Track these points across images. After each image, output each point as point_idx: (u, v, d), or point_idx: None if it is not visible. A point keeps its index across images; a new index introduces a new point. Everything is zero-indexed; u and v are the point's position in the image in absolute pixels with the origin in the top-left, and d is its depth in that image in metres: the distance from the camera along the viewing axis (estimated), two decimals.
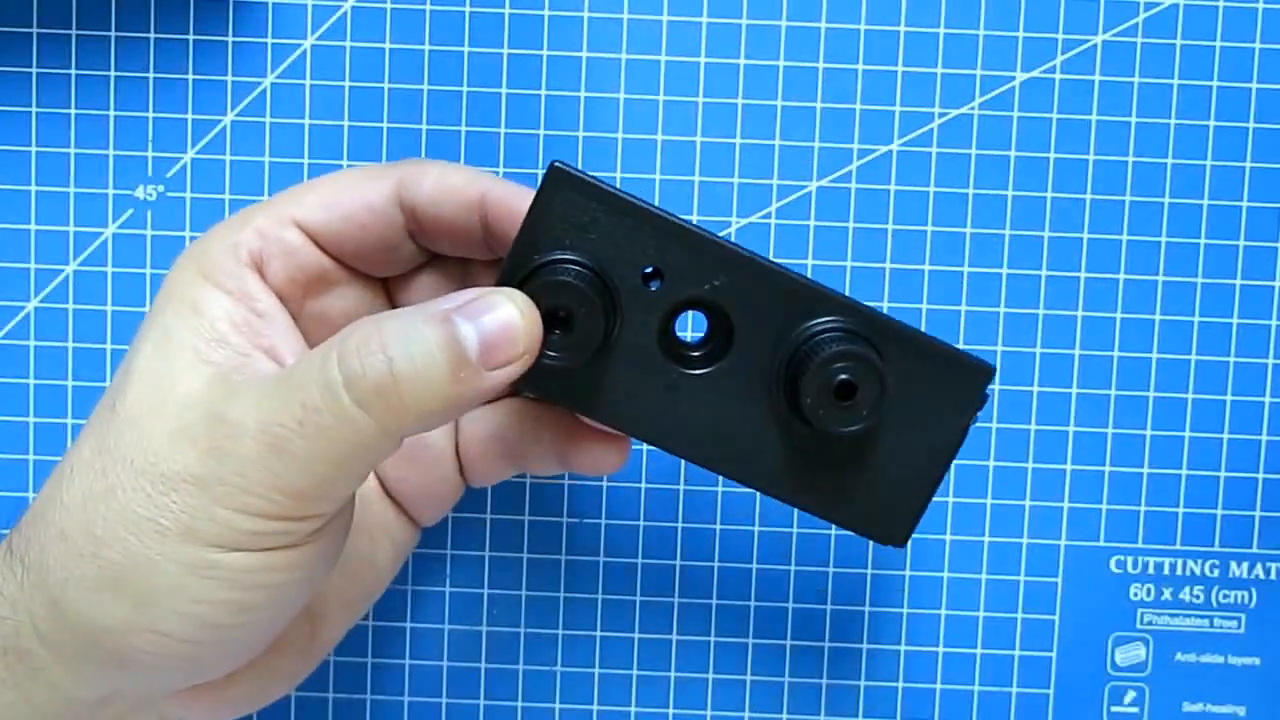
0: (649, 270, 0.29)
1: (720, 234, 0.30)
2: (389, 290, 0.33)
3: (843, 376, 0.29)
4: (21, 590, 0.28)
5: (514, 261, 0.29)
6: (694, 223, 0.29)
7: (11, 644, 0.28)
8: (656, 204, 0.29)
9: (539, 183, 0.29)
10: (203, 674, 0.29)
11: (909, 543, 0.31)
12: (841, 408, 0.29)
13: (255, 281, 0.30)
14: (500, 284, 0.29)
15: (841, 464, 0.31)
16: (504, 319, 0.27)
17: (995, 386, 0.38)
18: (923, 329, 0.32)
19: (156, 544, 0.27)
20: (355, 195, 0.31)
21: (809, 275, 0.30)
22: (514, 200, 0.30)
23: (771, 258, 0.31)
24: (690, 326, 0.31)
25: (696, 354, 0.30)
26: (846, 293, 0.30)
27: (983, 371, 0.30)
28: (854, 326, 0.29)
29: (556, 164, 0.28)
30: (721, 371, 0.30)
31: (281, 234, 0.30)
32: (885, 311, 0.31)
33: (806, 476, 0.31)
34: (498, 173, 0.38)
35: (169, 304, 0.30)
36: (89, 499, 0.28)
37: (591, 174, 0.29)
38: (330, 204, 0.31)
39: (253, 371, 0.29)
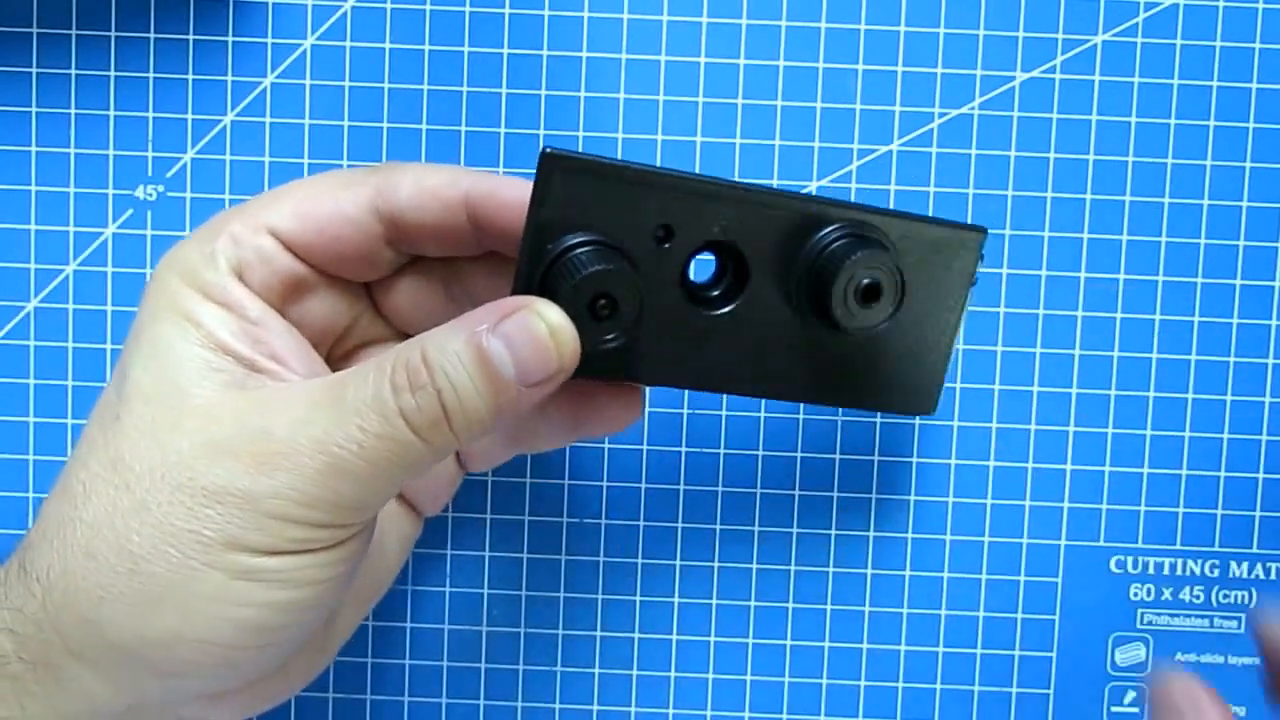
0: (659, 229, 0.29)
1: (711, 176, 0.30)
2: (370, 292, 0.33)
3: (867, 280, 0.30)
4: (45, 610, 0.28)
5: (530, 256, 0.28)
6: (687, 171, 0.30)
7: (40, 658, 0.28)
8: (645, 163, 0.29)
9: (535, 169, 0.28)
10: (242, 679, 0.29)
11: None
12: (870, 309, 0.31)
13: (240, 289, 0.30)
14: (519, 281, 0.29)
15: (870, 356, 0.33)
16: (537, 338, 0.27)
17: (995, 386, 0.38)
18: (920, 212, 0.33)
19: (200, 554, 0.27)
20: (329, 205, 0.30)
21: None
22: (501, 191, 0.30)
23: (759, 181, 0.31)
24: (697, 271, 0.32)
25: (716, 294, 0.31)
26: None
27: (976, 234, 0.32)
28: (861, 230, 0.31)
29: (549, 149, 0.28)
30: (745, 303, 0.31)
31: (257, 241, 0.30)
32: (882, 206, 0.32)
33: (838, 378, 0.33)
34: (498, 174, 0.38)
35: (159, 314, 0.29)
36: (115, 515, 0.27)
37: (583, 152, 0.28)
38: (304, 214, 0.30)
39: (268, 379, 0.29)
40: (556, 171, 0.28)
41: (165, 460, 0.27)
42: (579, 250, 0.28)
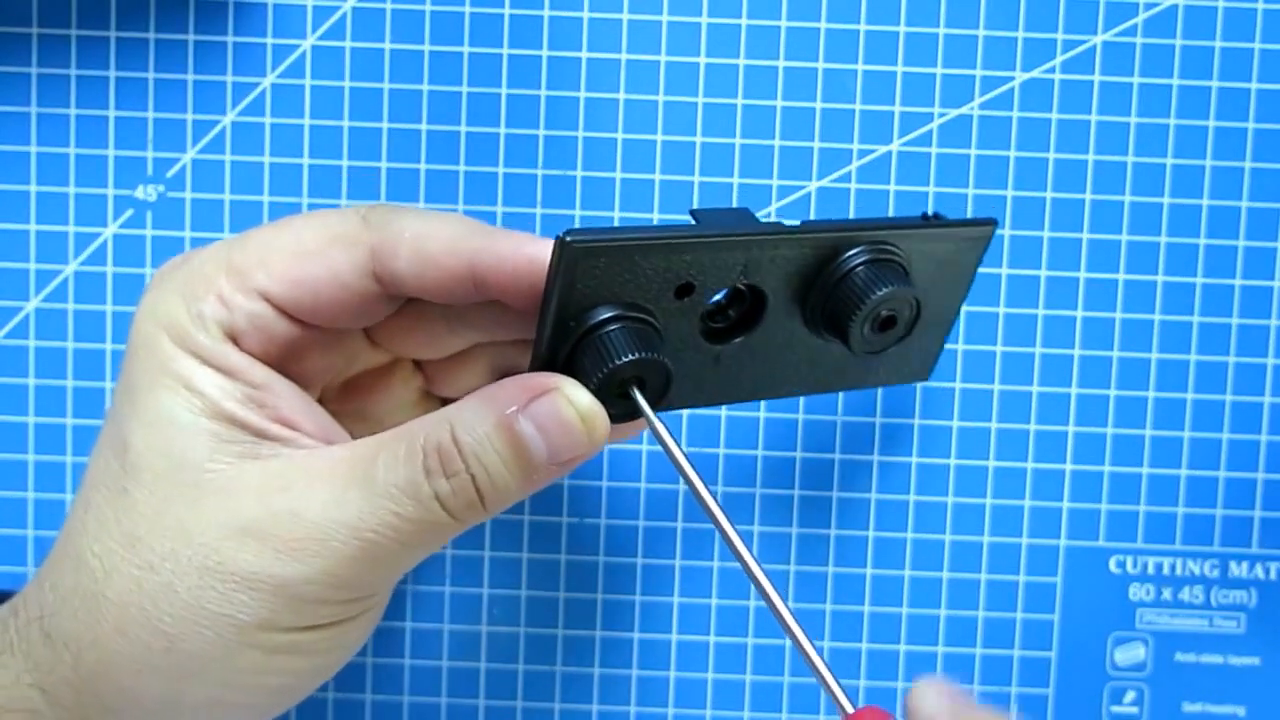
0: (679, 287, 0.29)
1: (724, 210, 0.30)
2: (367, 332, 0.32)
3: (886, 313, 0.31)
4: (77, 673, 0.28)
5: (553, 333, 0.28)
6: (701, 227, 0.29)
7: (76, 716, 0.28)
8: (661, 226, 0.29)
9: (553, 254, 0.27)
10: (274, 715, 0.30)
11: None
12: (885, 335, 0.31)
13: (238, 355, 0.29)
14: (541, 357, 0.28)
15: (877, 354, 0.33)
16: (569, 423, 0.27)
17: (995, 386, 0.38)
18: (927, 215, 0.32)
19: (234, 635, 0.27)
20: (322, 269, 0.28)
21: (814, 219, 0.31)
22: (510, 261, 0.28)
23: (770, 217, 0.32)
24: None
25: (731, 324, 0.31)
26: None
27: (985, 229, 0.32)
28: (878, 253, 0.30)
29: (569, 241, 0.26)
30: (761, 331, 0.31)
31: (250, 306, 0.28)
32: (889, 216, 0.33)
33: (843, 371, 0.33)
34: (496, 174, 0.38)
35: (156, 380, 0.28)
36: (143, 596, 0.27)
37: (599, 232, 0.27)
38: (297, 279, 0.28)
39: (281, 445, 0.28)
40: (577, 259, 0.27)
41: (190, 542, 0.27)
42: (607, 329, 0.28)
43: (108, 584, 0.27)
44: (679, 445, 0.28)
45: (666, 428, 0.28)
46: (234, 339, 0.29)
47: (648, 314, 0.28)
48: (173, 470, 0.28)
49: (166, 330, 0.28)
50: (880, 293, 0.30)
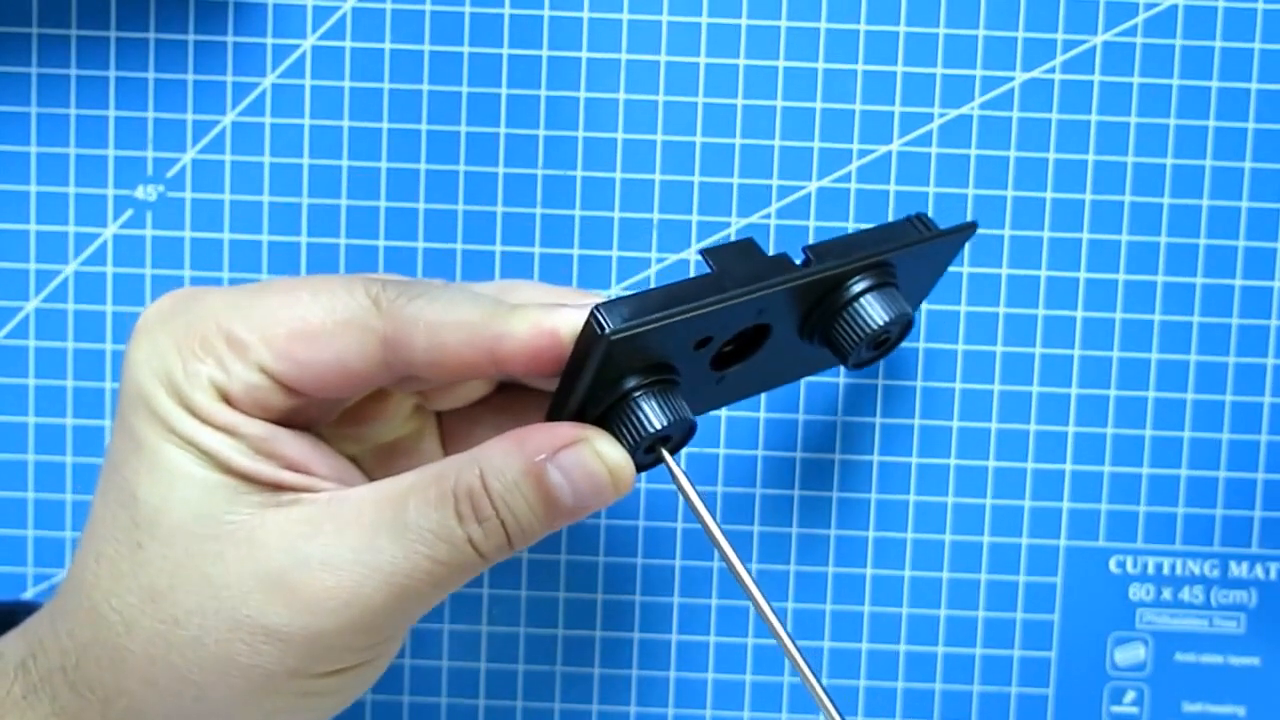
0: (699, 342, 0.29)
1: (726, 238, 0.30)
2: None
3: (885, 336, 0.32)
4: (105, 718, 0.28)
5: (585, 397, 0.28)
6: (724, 284, 0.29)
7: None
8: (686, 286, 0.28)
9: (583, 340, 0.27)
10: None
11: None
12: (877, 351, 0.33)
13: (234, 414, 0.28)
14: (568, 410, 0.28)
15: None
16: (597, 476, 0.28)
17: (995, 386, 0.38)
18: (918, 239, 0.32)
19: (265, 682, 0.27)
20: (330, 354, 0.28)
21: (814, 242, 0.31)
22: (531, 345, 0.27)
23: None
24: None
25: (735, 352, 0.31)
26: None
27: (964, 233, 0.33)
28: (875, 278, 0.31)
29: (605, 334, 0.26)
30: (761, 356, 0.31)
31: (248, 377, 0.28)
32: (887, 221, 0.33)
33: (818, 360, 0.34)
34: (496, 175, 0.38)
35: (162, 435, 0.28)
36: (170, 649, 0.27)
37: (631, 307, 0.27)
38: (303, 362, 0.28)
39: (300, 494, 0.28)
40: (614, 347, 0.27)
41: (216, 595, 0.27)
42: (636, 395, 0.28)
43: (130, 638, 0.27)
44: (704, 502, 0.29)
45: (692, 482, 0.29)
46: (227, 401, 0.28)
47: (670, 370, 0.29)
48: (191, 524, 0.27)
49: (164, 385, 0.28)
50: (883, 323, 0.31)
